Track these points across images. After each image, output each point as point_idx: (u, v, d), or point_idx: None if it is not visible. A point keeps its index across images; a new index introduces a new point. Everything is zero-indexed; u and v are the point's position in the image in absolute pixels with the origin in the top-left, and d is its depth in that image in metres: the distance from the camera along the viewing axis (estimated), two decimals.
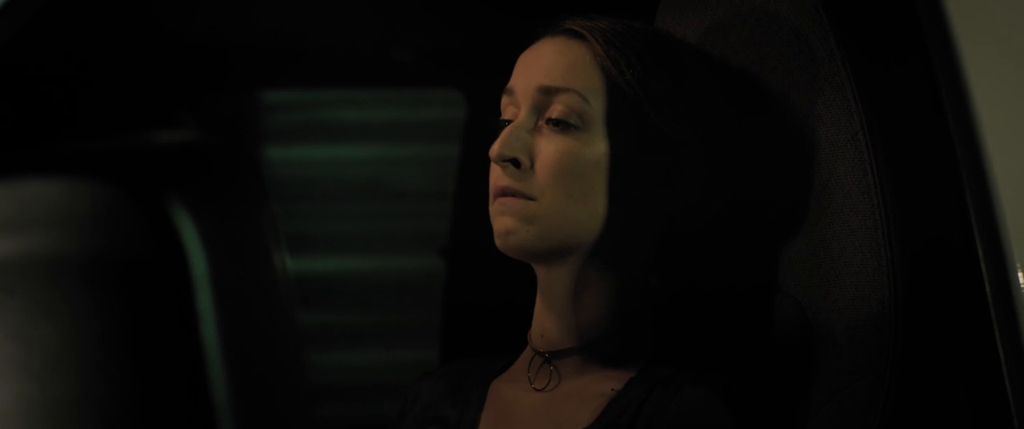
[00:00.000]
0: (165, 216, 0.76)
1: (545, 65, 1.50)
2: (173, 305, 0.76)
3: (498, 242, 1.49)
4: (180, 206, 0.76)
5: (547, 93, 1.49)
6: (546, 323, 1.52)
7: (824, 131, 1.47)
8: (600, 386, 1.50)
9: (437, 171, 2.49)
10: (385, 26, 2.26)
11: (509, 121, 1.51)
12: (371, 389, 2.51)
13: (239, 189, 0.79)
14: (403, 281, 2.54)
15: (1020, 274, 1.34)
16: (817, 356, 1.46)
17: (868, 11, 1.49)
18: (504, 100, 1.52)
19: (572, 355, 1.51)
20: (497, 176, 1.49)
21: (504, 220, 1.48)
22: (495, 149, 1.48)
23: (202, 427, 0.76)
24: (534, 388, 1.53)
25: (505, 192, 1.48)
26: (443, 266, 2.40)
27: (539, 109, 1.49)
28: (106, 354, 0.75)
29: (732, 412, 1.44)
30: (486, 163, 1.50)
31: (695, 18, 1.64)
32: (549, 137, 1.48)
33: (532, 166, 1.47)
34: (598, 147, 1.48)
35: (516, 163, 1.47)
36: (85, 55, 1.44)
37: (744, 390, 1.46)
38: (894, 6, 1.44)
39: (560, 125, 1.48)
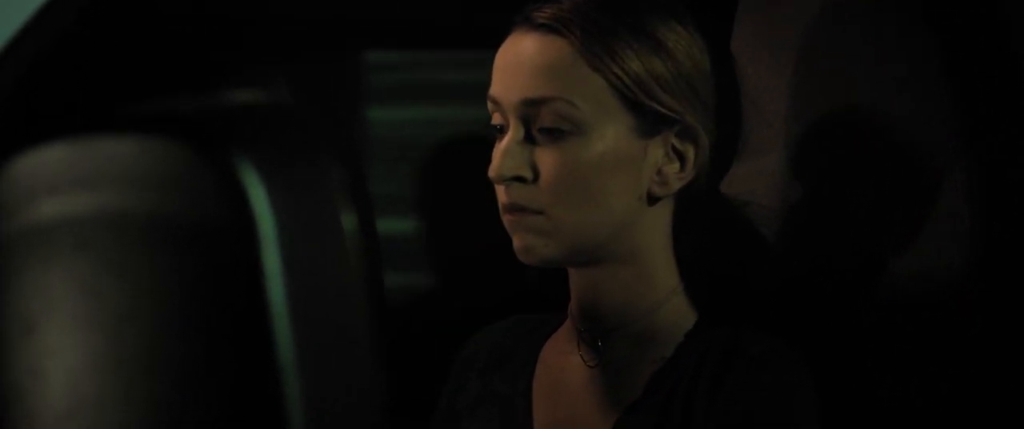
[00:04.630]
0: (235, 176, 0.76)
1: (524, 73, 1.44)
2: (241, 265, 0.76)
3: (519, 257, 1.47)
4: (249, 166, 0.77)
5: (532, 105, 1.44)
6: (583, 303, 1.52)
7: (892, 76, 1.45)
8: (647, 355, 1.49)
9: None
10: None
11: (500, 127, 1.47)
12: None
13: (309, 151, 0.80)
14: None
15: None
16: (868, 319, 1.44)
17: None
18: (490, 106, 1.48)
19: (613, 330, 1.50)
20: (502, 192, 1.46)
21: (520, 236, 1.46)
22: (494, 170, 1.45)
23: (268, 386, 0.76)
24: (583, 361, 1.51)
25: (513, 209, 1.45)
26: None
27: (527, 120, 1.45)
28: (175, 312, 0.75)
29: (803, 362, 1.43)
30: None
31: None
32: (545, 147, 1.44)
33: (536, 179, 1.44)
34: (596, 148, 1.44)
35: (519, 179, 1.44)
36: (173, 14, 1.45)
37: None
38: None
39: (553, 133, 1.44)
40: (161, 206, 0.75)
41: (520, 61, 1.44)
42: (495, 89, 1.46)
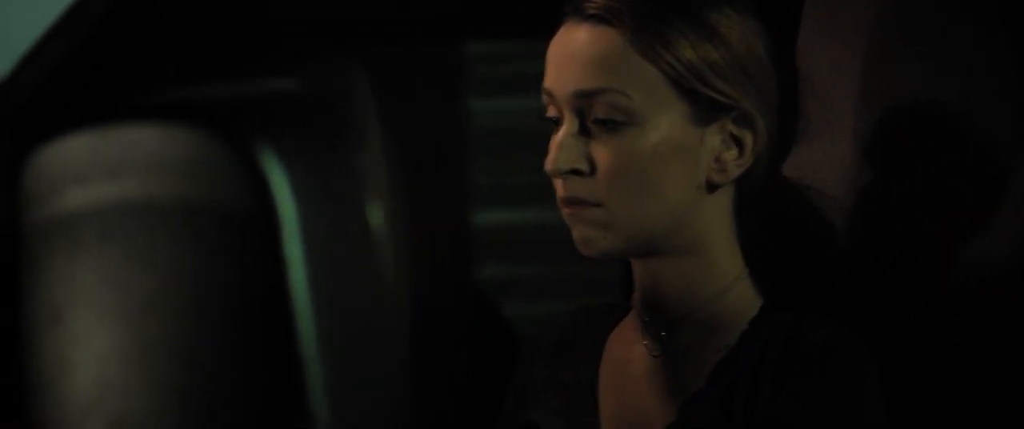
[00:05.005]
0: (257, 164, 0.76)
1: (576, 65, 1.42)
2: (262, 253, 0.76)
3: (579, 249, 1.43)
4: (272, 155, 0.76)
5: (586, 96, 1.41)
6: (646, 294, 1.49)
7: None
8: (711, 344, 1.46)
9: None
10: None
11: (556, 119, 1.46)
12: None
13: (332, 140, 0.79)
14: None
15: None
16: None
17: None
18: (545, 98, 1.47)
19: (676, 320, 1.47)
20: (559, 185, 1.43)
21: (580, 229, 1.43)
22: (550, 164, 1.42)
23: (290, 373, 0.76)
24: (647, 351, 1.48)
25: (571, 202, 1.43)
26: None
27: (582, 111, 1.42)
28: (198, 300, 0.75)
29: (868, 350, 1.40)
30: None
31: None
32: (600, 139, 1.41)
33: (592, 171, 1.42)
34: (651, 138, 1.42)
35: (576, 172, 1.42)
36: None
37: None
38: None
39: (608, 124, 1.41)
40: (184, 194, 0.75)
41: (572, 53, 1.42)
42: (548, 81, 1.43)
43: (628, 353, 1.52)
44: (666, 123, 1.42)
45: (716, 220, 1.46)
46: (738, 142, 1.44)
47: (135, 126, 0.76)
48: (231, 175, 0.76)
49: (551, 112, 1.44)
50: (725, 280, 1.47)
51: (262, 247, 0.76)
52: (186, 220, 0.75)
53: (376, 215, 0.79)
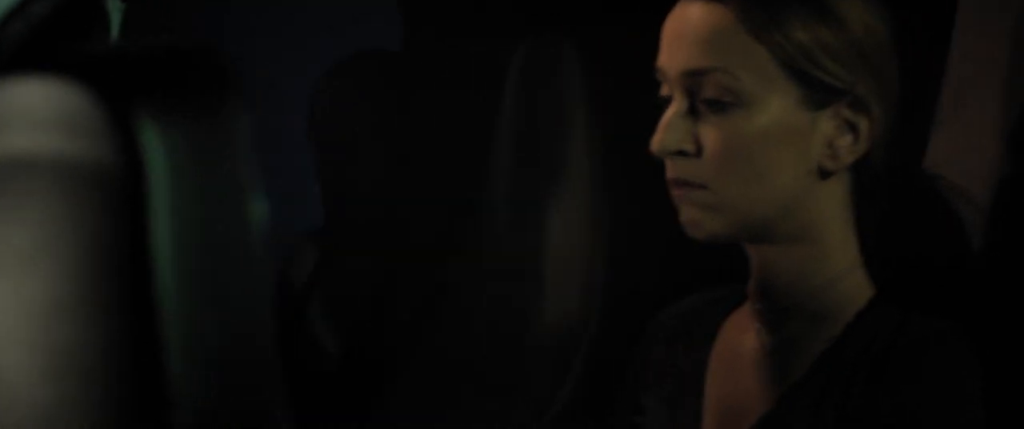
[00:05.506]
0: (131, 120, 0.76)
1: (686, 43, 1.40)
2: (131, 209, 0.76)
3: (687, 231, 1.42)
4: (148, 112, 0.76)
5: (694, 75, 1.39)
6: (758, 281, 1.45)
7: None
8: (820, 334, 1.43)
9: None
10: None
11: (668, 98, 1.44)
12: None
13: (207, 100, 0.79)
14: None
15: None
16: None
17: None
18: (658, 76, 1.43)
19: (787, 308, 1.44)
20: (668, 166, 1.41)
21: (687, 210, 1.41)
22: (656, 144, 1.40)
23: (155, 329, 0.76)
24: (757, 338, 1.47)
25: (679, 183, 1.41)
26: None
27: (691, 91, 1.40)
28: (73, 254, 0.75)
29: (971, 349, 1.36)
30: None
31: None
32: (708, 119, 1.39)
33: (700, 153, 1.39)
34: (759, 120, 1.38)
35: (682, 153, 1.40)
36: None
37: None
38: None
39: (716, 105, 1.39)
40: (59, 149, 0.75)
41: (683, 31, 1.41)
42: (661, 59, 1.42)
43: (739, 340, 1.51)
44: (775, 105, 1.39)
45: (830, 208, 1.43)
46: (853, 128, 1.40)
47: (14, 80, 0.77)
48: (105, 130, 0.75)
49: (664, 91, 1.43)
50: (836, 270, 1.44)
51: (134, 205, 0.76)
52: (63, 176, 0.76)
53: (246, 178, 0.78)
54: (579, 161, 2.10)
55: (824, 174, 1.41)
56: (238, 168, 0.77)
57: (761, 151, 1.39)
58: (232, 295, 0.77)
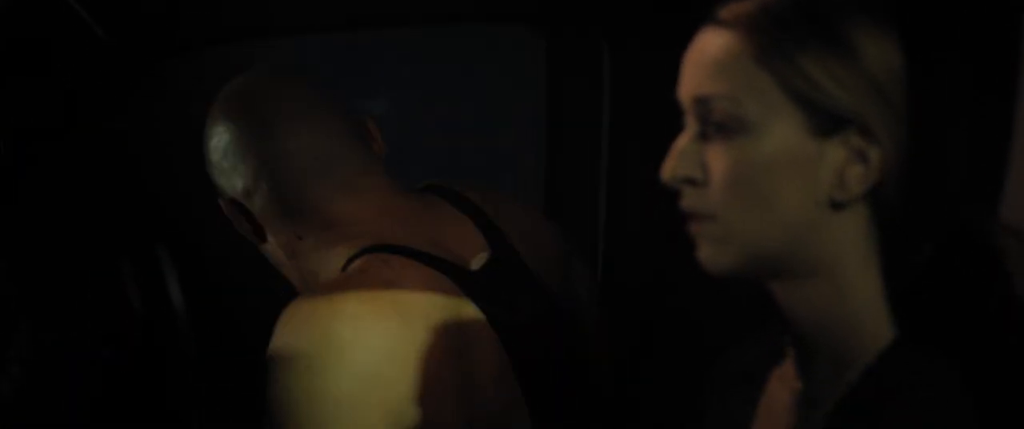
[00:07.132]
0: None
1: (696, 70, 1.38)
2: None
3: (705, 269, 1.38)
4: None
5: (702, 102, 1.37)
6: (785, 324, 1.42)
7: None
8: (843, 378, 1.38)
9: None
10: None
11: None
12: None
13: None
14: None
15: None
16: None
17: None
18: (680, 103, 1.41)
19: (812, 351, 1.40)
20: (681, 197, 1.39)
21: (701, 247, 1.38)
22: (666, 171, 1.38)
23: None
24: (790, 387, 1.45)
25: (690, 216, 1.38)
26: None
27: (703, 118, 1.37)
28: None
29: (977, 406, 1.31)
30: None
31: None
32: (715, 146, 1.37)
33: (708, 181, 1.37)
34: (764, 147, 1.35)
35: (691, 181, 1.37)
36: None
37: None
38: None
39: (723, 131, 1.36)
40: None
41: (695, 58, 1.40)
42: (679, 86, 1.42)
43: (780, 384, 1.49)
44: (780, 132, 1.35)
45: (845, 242, 1.38)
46: (863, 158, 1.36)
47: None
48: None
49: (687, 119, 1.40)
50: (854, 307, 1.39)
51: None
52: None
53: None
54: None
55: (836, 206, 1.36)
56: None
57: (766, 178, 1.35)
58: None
